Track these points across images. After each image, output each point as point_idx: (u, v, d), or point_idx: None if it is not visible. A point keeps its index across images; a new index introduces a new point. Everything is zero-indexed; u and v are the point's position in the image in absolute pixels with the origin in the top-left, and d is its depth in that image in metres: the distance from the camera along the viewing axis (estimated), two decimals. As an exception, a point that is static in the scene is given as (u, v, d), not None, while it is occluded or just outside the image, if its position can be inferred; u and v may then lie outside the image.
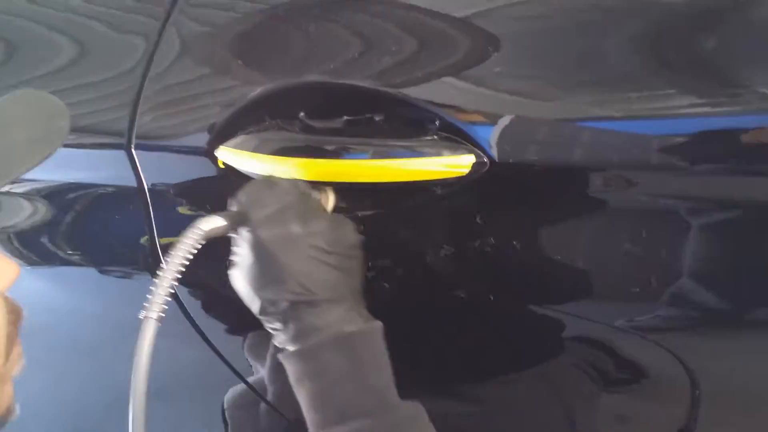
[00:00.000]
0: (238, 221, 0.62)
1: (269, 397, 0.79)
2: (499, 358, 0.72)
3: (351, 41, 0.68)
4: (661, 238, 0.60)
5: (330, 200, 0.68)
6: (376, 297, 0.66)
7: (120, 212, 0.84)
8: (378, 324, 0.63)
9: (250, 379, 0.81)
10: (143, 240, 0.79)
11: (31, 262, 0.96)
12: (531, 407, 0.72)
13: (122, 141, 0.78)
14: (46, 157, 0.56)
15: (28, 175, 0.56)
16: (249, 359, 0.80)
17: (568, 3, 0.63)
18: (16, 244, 0.97)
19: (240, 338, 0.80)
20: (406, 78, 0.65)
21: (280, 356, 0.63)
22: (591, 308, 0.66)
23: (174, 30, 0.76)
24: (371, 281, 0.68)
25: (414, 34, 0.66)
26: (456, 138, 0.63)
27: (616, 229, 0.63)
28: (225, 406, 0.82)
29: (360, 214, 0.68)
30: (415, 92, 0.64)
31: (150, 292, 0.58)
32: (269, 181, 0.65)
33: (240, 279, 0.63)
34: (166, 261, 0.59)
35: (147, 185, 0.78)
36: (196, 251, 0.60)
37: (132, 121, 0.76)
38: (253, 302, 0.63)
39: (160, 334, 0.57)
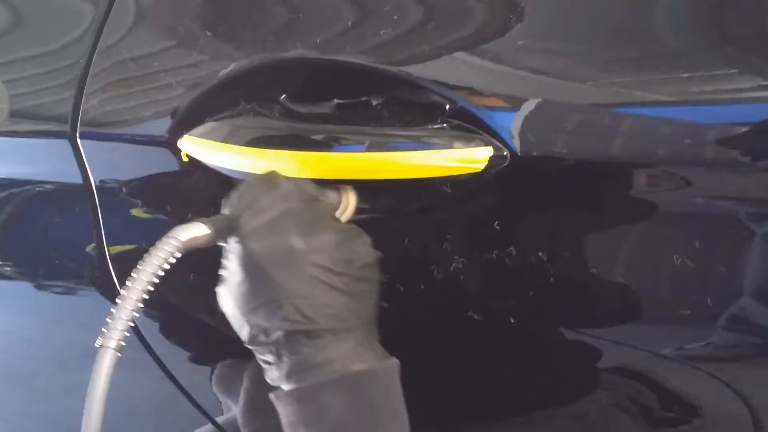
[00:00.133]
0: (226, 229, 0.62)
1: (243, 441, 0.79)
2: (522, 394, 0.72)
3: (343, 8, 0.69)
4: (719, 249, 0.60)
5: (350, 205, 0.68)
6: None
7: (62, 214, 0.83)
8: (394, 362, 0.62)
9: (219, 419, 0.81)
10: (90, 248, 0.79)
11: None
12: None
13: (65, 128, 0.78)
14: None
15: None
16: (218, 394, 0.80)
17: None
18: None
19: (207, 368, 0.80)
20: (409, 53, 0.65)
21: (271, 396, 0.63)
22: (633, 333, 0.66)
23: (129, -7, 0.77)
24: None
25: (419, 0, 0.67)
26: (470, 126, 0.64)
27: (664, 238, 0.62)
28: (188, 452, 0.82)
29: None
30: (420, 71, 0.65)
31: (108, 314, 0.58)
32: (268, 181, 0.65)
33: (227, 299, 0.63)
34: (132, 277, 0.59)
35: (95, 182, 0.78)
36: (169, 266, 0.59)
37: (77, 105, 0.76)
38: (241, 328, 0.63)
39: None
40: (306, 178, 0.66)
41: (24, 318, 0.91)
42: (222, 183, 0.72)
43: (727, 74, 0.58)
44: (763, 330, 0.63)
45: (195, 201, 0.76)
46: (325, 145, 0.66)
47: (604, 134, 0.60)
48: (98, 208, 0.77)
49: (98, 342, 0.57)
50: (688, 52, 0.59)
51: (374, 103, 0.67)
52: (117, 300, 0.58)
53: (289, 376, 0.61)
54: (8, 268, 0.90)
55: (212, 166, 0.71)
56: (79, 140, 0.76)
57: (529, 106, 0.62)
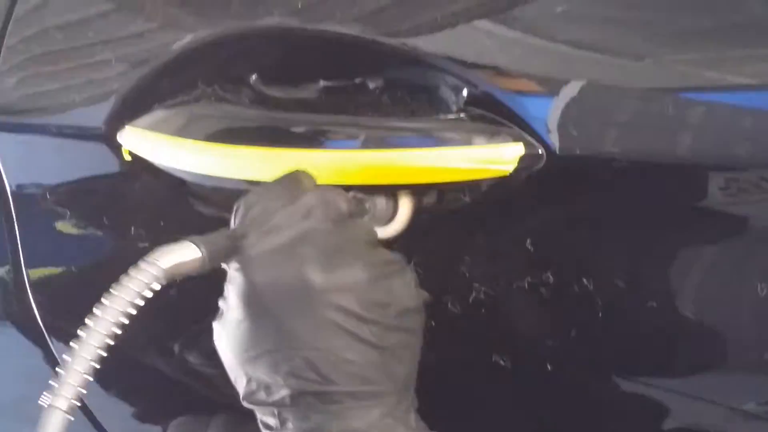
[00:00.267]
0: (225, 252, 0.61)
1: None
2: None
3: (331, -37, 0.69)
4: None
5: (399, 217, 0.68)
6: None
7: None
8: None
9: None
10: (3, 272, 0.79)
11: None
12: None
13: (-29, 118, 0.78)
14: None
15: None
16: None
17: None
18: None
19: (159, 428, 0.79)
20: (416, 22, 0.65)
21: None
22: (707, 383, 0.65)
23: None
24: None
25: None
26: (494, 117, 0.63)
27: (747, 262, 0.62)
28: None
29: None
30: (430, 44, 0.65)
31: (30, 356, 0.60)
32: (288, 188, 0.64)
33: (223, 339, 0.63)
34: (92, 317, 0.56)
35: (9, 187, 0.78)
36: (144, 301, 0.57)
37: (-13, 88, 0.76)
38: (237, 379, 0.62)
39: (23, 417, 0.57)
40: (338, 187, 0.65)
41: None
42: (175, 188, 0.71)
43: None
44: None
45: (140, 211, 0.75)
46: (308, 140, 0.66)
47: (669, 128, 0.60)
48: (14, 221, 0.76)
49: (44, 400, 0.55)
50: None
51: (371, 86, 0.66)
52: (73, 345, 0.55)
53: None
54: None
55: (162, 167, 0.70)
56: (-13, 132, 0.75)
57: (570, 92, 0.61)
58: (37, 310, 0.78)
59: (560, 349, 0.67)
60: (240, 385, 0.61)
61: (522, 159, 0.62)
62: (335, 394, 0.59)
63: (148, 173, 0.70)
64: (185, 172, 0.69)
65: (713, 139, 0.59)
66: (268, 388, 0.60)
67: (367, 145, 0.65)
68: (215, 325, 0.63)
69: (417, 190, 0.67)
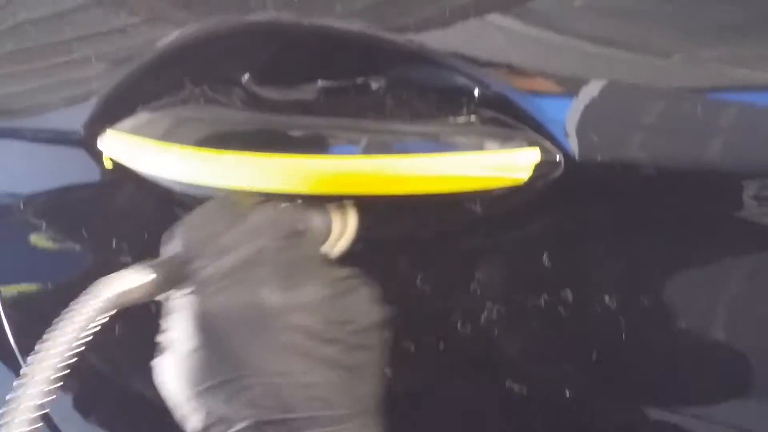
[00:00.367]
0: (172, 278, 0.60)
1: None
2: None
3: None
4: None
5: (346, 231, 0.67)
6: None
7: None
8: None
9: None
10: None
11: None
12: None
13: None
14: None
15: None
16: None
17: None
18: None
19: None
20: (422, 17, 0.64)
21: None
22: (743, 413, 0.63)
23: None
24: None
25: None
26: (508, 120, 0.63)
27: None
28: None
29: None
30: (438, 41, 0.63)
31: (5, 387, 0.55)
32: (232, 206, 0.64)
33: (172, 373, 0.61)
34: (39, 348, 0.56)
35: None
36: (92, 332, 0.57)
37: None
38: (191, 414, 0.60)
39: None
40: (286, 203, 0.65)
41: None
42: (160, 198, 0.71)
43: None
44: None
45: (122, 224, 0.74)
46: (305, 145, 0.65)
47: (699, 131, 0.59)
48: (-16, 233, 0.75)
49: None
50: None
51: (374, 86, 0.65)
52: (21, 375, 0.55)
53: None
54: None
55: (146, 175, 0.68)
56: (-46, 136, 0.75)
57: (591, 92, 0.60)
58: (10, 330, 0.77)
59: (580, 375, 0.66)
60: (194, 419, 0.60)
61: (538, 166, 0.61)
62: (297, 421, 0.58)
63: (131, 182, 0.69)
64: (172, 180, 0.68)
65: (748, 143, 0.58)
66: (226, 421, 0.58)
67: (369, 150, 0.64)
68: (158, 361, 0.62)
69: (366, 201, 0.66)
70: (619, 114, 0.60)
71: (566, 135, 0.61)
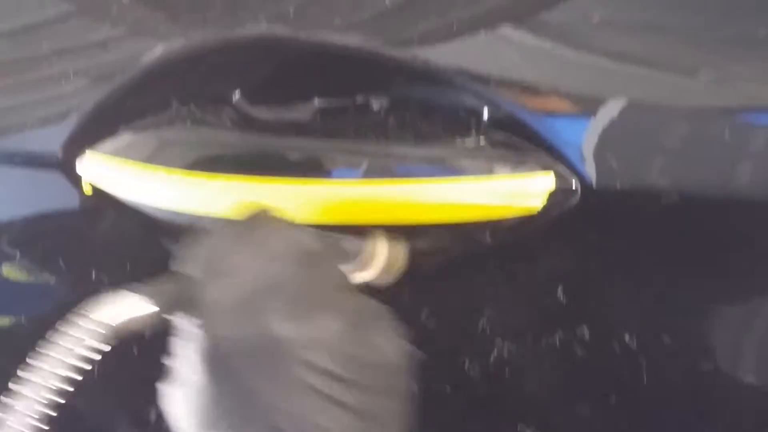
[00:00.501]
0: (178, 303, 0.59)
1: None
2: None
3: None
4: None
5: (377, 259, 0.66)
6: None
7: None
8: None
9: None
10: None
11: None
12: None
13: None
14: None
15: None
16: None
17: None
18: None
19: None
20: (427, 30, 0.63)
21: None
22: None
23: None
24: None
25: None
26: (520, 142, 0.62)
27: None
28: None
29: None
30: (443, 56, 0.62)
31: None
32: (249, 228, 0.62)
33: (179, 406, 0.60)
34: (21, 381, 0.54)
35: None
36: (84, 365, 0.55)
37: None
38: None
39: None
40: (307, 225, 0.63)
41: None
42: (143, 226, 0.70)
43: None
44: None
45: (103, 253, 0.73)
46: (300, 169, 0.64)
47: (728, 156, 0.59)
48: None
49: None
50: None
51: (375, 106, 0.65)
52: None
53: None
54: None
55: (129, 202, 0.68)
56: None
57: (610, 112, 0.60)
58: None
59: (597, 419, 0.66)
60: None
61: (552, 193, 0.61)
62: None
63: (112, 208, 0.69)
64: (156, 207, 0.67)
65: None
66: None
67: (369, 175, 0.62)
68: (166, 387, 0.60)
69: (398, 230, 0.65)
70: (640, 136, 0.60)
71: (583, 159, 0.60)
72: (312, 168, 0.64)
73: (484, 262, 0.65)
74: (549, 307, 0.64)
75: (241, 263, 0.58)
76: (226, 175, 0.64)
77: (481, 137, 0.63)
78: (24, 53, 0.72)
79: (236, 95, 0.67)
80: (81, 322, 0.56)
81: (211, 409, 0.57)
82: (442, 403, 0.67)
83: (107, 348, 0.56)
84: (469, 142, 0.63)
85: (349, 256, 0.65)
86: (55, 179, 0.70)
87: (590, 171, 0.60)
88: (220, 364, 0.57)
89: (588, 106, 0.60)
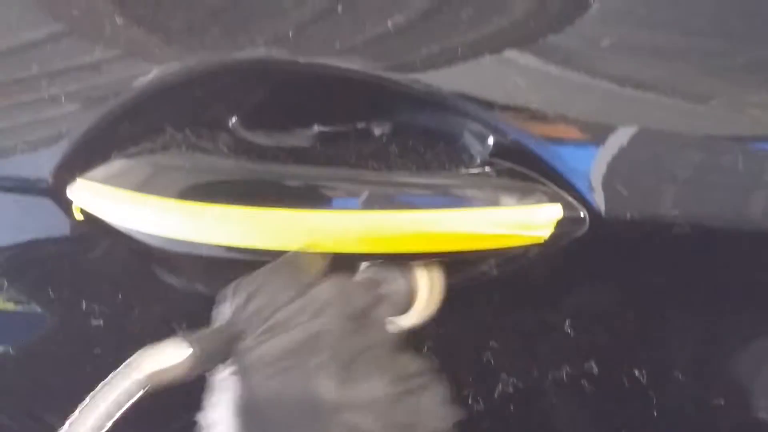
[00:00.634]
0: (217, 354, 0.59)
1: None
2: None
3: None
4: None
5: (419, 307, 0.65)
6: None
7: None
8: None
9: None
10: None
11: None
12: None
13: None
14: None
15: None
16: None
17: None
18: None
19: None
20: (430, 54, 0.63)
21: None
22: None
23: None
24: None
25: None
26: (527, 171, 0.62)
27: None
28: None
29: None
30: (447, 81, 0.63)
31: None
32: (296, 273, 0.62)
33: None
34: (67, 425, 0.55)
35: None
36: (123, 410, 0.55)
37: None
38: None
39: None
40: (360, 271, 0.64)
41: None
42: (136, 255, 0.70)
43: None
44: None
45: (94, 282, 0.73)
46: (298, 198, 0.63)
47: (742, 185, 0.59)
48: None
49: None
50: None
51: (376, 132, 0.65)
52: None
53: None
54: None
55: (121, 229, 0.67)
56: None
57: (619, 140, 0.60)
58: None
59: None
60: None
61: (560, 223, 0.61)
62: None
63: (103, 236, 0.69)
64: (149, 235, 0.67)
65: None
66: None
67: (370, 204, 0.62)
68: None
69: (442, 264, 0.65)
70: (651, 165, 0.60)
71: (591, 188, 0.60)
72: (310, 197, 0.64)
73: (488, 293, 0.65)
74: (556, 340, 0.64)
75: (285, 315, 0.58)
76: (222, 204, 0.64)
77: (486, 166, 0.63)
78: (13, 75, 0.72)
79: (233, 120, 0.67)
80: (124, 371, 0.56)
81: None
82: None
83: (142, 395, 0.56)
84: (474, 170, 0.63)
85: (393, 303, 0.65)
86: (44, 206, 0.70)
87: (599, 200, 0.60)
88: (259, 421, 0.57)
89: (597, 133, 0.60)
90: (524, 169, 0.62)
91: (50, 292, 0.72)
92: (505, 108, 0.62)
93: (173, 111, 0.68)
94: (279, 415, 0.56)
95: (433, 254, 0.63)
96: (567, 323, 0.63)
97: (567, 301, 0.65)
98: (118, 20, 0.69)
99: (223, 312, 0.59)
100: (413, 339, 0.66)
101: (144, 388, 0.56)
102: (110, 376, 0.55)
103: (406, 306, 0.65)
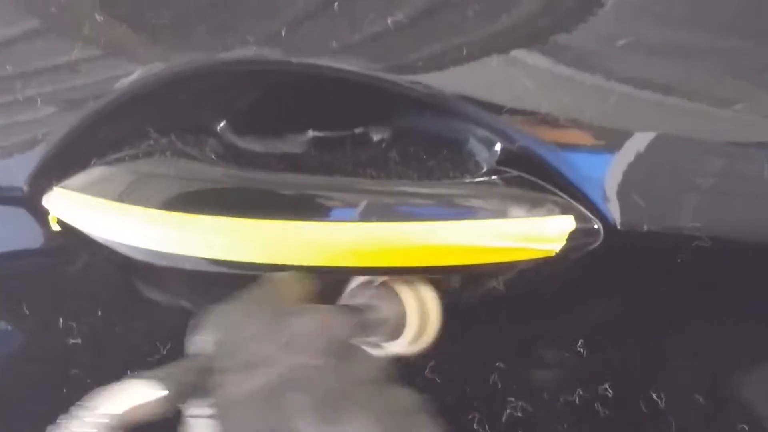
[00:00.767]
0: (190, 390, 0.57)
1: None
2: None
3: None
4: None
5: (409, 328, 0.64)
6: None
7: None
8: None
9: None
10: None
11: None
12: None
13: None
14: None
15: None
16: None
17: None
18: None
19: None
20: (433, 54, 0.62)
21: None
22: None
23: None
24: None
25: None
26: (537, 180, 0.62)
27: None
28: None
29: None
30: (451, 83, 0.62)
31: None
32: (275, 302, 0.61)
33: None
34: None
35: None
36: None
37: None
38: None
39: None
40: (350, 295, 0.64)
41: None
42: (117, 268, 0.70)
43: None
44: None
45: (71, 298, 0.72)
46: (291, 208, 0.63)
47: (766, 196, 0.59)
48: None
49: None
50: None
51: (375, 137, 0.65)
52: None
53: None
54: None
55: (100, 240, 0.66)
56: None
57: (636, 146, 0.60)
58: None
59: None
60: None
61: (572, 235, 0.61)
62: None
63: (82, 248, 0.68)
64: (131, 247, 0.66)
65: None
66: None
67: (368, 215, 0.62)
68: None
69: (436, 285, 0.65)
70: (670, 174, 0.60)
71: (606, 198, 0.60)
72: (304, 207, 0.63)
73: (495, 310, 0.65)
74: (568, 361, 0.64)
75: (263, 350, 0.57)
76: (209, 215, 0.63)
77: (494, 175, 0.63)
78: (-18, 77, 0.72)
79: (221, 125, 0.66)
80: (85, 411, 0.55)
81: None
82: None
83: None
84: (480, 179, 0.63)
85: (383, 328, 0.64)
86: (18, 216, 0.69)
87: (614, 211, 0.60)
88: None
89: (611, 139, 0.60)
90: (534, 178, 0.62)
91: (24, 309, 0.71)
92: (513, 112, 0.62)
93: (157, 115, 0.68)
94: None
95: (436, 269, 0.62)
96: (579, 343, 0.63)
97: (579, 319, 0.65)
98: (99, 17, 0.68)
99: (196, 342, 0.59)
100: (414, 360, 0.66)
101: (113, 430, 0.55)
102: (74, 416, 0.54)
103: (398, 331, 0.65)
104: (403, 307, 0.65)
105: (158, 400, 0.55)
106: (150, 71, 0.66)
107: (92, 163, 0.68)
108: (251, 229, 0.63)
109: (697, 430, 0.63)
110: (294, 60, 0.64)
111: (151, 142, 0.68)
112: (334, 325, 0.59)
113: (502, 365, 0.65)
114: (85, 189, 0.67)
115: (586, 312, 0.65)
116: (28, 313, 0.72)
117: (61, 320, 0.72)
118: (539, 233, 0.60)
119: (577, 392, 0.64)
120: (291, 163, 0.65)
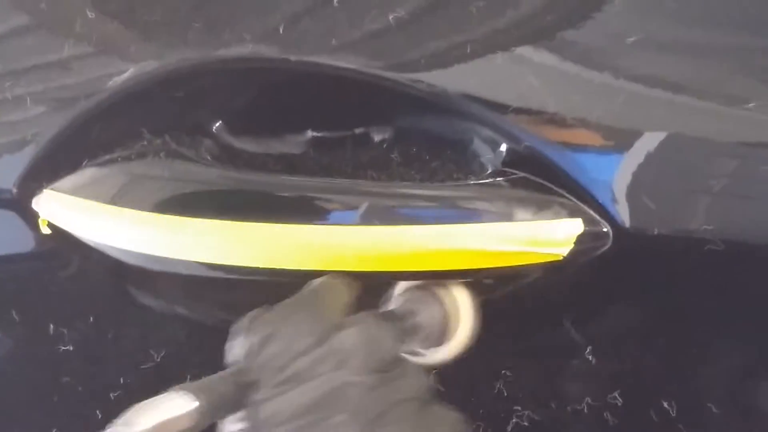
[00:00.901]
0: (225, 405, 0.57)
1: None
2: None
3: (324, -25, 0.67)
4: None
5: (458, 338, 0.64)
6: None
7: None
8: None
9: None
10: None
11: None
12: None
13: None
14: None
15: None
16: None
17: None
18: None
19: None
20: (435, 51, 0.62)
21: None
22: None
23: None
24: None
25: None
26: (543, 182, 0.62)
27: None
28: None
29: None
30: (454, 82, 0.62)
31: None
32: (318, 313, 0.60)
33: None
34: None
35: None
36: None
37: None
38: None
39: None
40: (394, 301, 0.64)
41: None
42: (109, 273, 0.70)
43: None
44: None
45: (62, 303, 0.72)
46: (289, 211, 0.63)
47: None
48: None
49: None
50: None
51: (376, 138, 0.65)
52: None
53: None
54: None
55: (92, 244, 0.66)
56: None
57: (646, 146, 0.60)
58: None
59: None
60: None
61: (580, 239, 0.61)
62: None
63: (73, 252, 0.68)
64: (124, 251, 0.66)
65: None
66: None
67: (369, 218, 0.61)
68: None
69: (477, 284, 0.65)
70: (681, 175, 0.60)
71: (615, 200, 0.60)
72: (303, 209, 0.63)
73: (501, 316, 0.64)
74: (576, 368, 0.64)
75: (303, 365, 0.56)
76: (204, 217, 0.63)
77: (499, 176, 0.62)
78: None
79: (217, 125, 0.66)
80: (121, 422, 0.54)
81: None
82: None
83: None
84: (485, 181, 0.63)
85: (426, 334, 0.64)
86: (7, 219, 0.69)
87: (623, 213, 0.60)
88: None
89: (620, 140, 0.60)
90: (540, 180, 0.62)
91: (14, 314, 0.71)
92: (519, 111, 0.61)
93: (151, 114, 0.68)
94: None
95: (439, 274, 0.61)
96: (588, 349, 0.63)
97: (588, 324, 0.65)
98: (90, 13, 0.68)
99: (235, 351, 0.58)
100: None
101: None
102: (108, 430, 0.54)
103: (440, 337, 0.64)
104: (443, 311, 0.64)
105: (192, 414, 0.55)
106: (143, 69, 0.66)
107: (84, 164, 0.68)
108: (248, 233, 0.62)
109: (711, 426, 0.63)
110: (292, 58, 0.63)
111: (145, 142, 0.68)
112: (379, 340, 0.58)
113: (508, 373, 0.65)
114: (76, 191, 0.67)
115: (594, 318, 0.65)
116: (17, 319, 0.72)
117: (51, 326, 0.72)
118: (546, 237, 0.60)
119: (585, 401, 0.63)
120: (289, 164, 0.65)
